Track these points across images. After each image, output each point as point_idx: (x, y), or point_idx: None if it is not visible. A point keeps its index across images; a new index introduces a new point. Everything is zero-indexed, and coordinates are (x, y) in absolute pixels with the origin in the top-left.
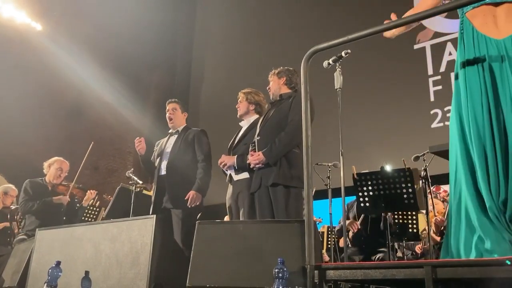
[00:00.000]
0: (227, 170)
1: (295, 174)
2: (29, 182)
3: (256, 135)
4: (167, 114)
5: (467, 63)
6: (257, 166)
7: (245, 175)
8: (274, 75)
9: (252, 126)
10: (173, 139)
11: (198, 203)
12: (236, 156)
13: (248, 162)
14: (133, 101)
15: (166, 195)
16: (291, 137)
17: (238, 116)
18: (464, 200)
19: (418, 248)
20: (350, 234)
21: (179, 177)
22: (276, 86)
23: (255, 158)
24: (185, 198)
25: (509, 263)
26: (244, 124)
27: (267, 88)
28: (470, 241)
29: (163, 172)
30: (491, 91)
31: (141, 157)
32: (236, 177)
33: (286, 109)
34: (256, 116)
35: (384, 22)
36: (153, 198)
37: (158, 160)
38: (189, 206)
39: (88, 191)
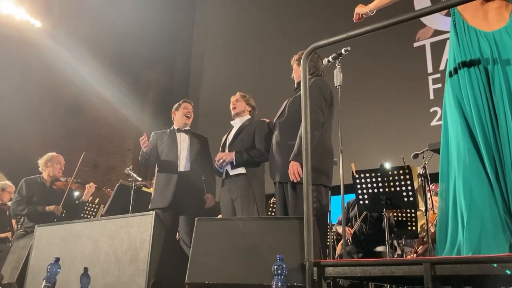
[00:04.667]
0: (221, 167)
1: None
2: (25, 182)
3: (274, 132)
4: (186, 112)
5: (463, 57)
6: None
7: (241, 170)
8: (295, 62)
9: (245, 124)
10: (184, 137)
11: (212, 205)
12: (234, 152)
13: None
14: (132, 98)
15: (189, 191)
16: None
17: (233, 114)
18: (464, 196)
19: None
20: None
21: (198, 176)
22: (297, 74)
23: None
24: (204, 198)
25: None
26: (237, 123)
27: (292, 76)
28: (472, 236)
29: (184, 168)
30: (487, 85)
31: (146, 154)
32: (232, 172)
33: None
34: (249, 116)
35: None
36: (170, 191)
37: (170, 154)
38: (206, 208)
39: (87, 185)
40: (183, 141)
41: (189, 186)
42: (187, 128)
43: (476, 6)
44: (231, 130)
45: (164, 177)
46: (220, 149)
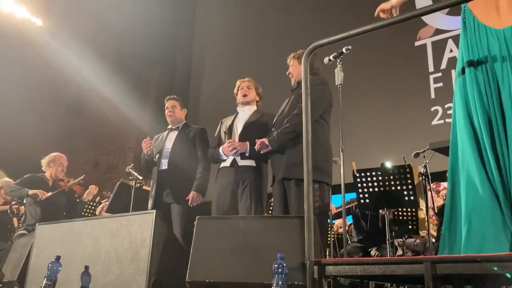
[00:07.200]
0: (227, 156)
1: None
2: (29, 177)
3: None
4: (166, 112)
5: (471, 57)
6: (262, 151)
7: (252, 162)
8: (294, 59)
9: (256, 115)
10: (173, 135)
11: (199, 202)
12: (248, 143)
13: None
14: (133, 97)
15: (167, 189)
16: (296, 122)
17: (243, 101)
18: (467, 195)
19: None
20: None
21: (180, 172)
22: (298, 71)
23: (258, 144)
24: (186, 198)
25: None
26: (245, 111)
27: (287, 73)
28: (473, 234)
29: (164, 167)
30: (494, 85)
31: (147, 157)
32: (242, 162)
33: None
34: (255, 107)
35: None
36: (153, 193)
37: (157, 155)
38: (191, 205)
39: (90, 186)
40: (170, 140)
41: (167, 185)
42: (176, 125)
43: (487, 2)
44: (236, 115)
45: (153, 178)
46: (224, 134)
